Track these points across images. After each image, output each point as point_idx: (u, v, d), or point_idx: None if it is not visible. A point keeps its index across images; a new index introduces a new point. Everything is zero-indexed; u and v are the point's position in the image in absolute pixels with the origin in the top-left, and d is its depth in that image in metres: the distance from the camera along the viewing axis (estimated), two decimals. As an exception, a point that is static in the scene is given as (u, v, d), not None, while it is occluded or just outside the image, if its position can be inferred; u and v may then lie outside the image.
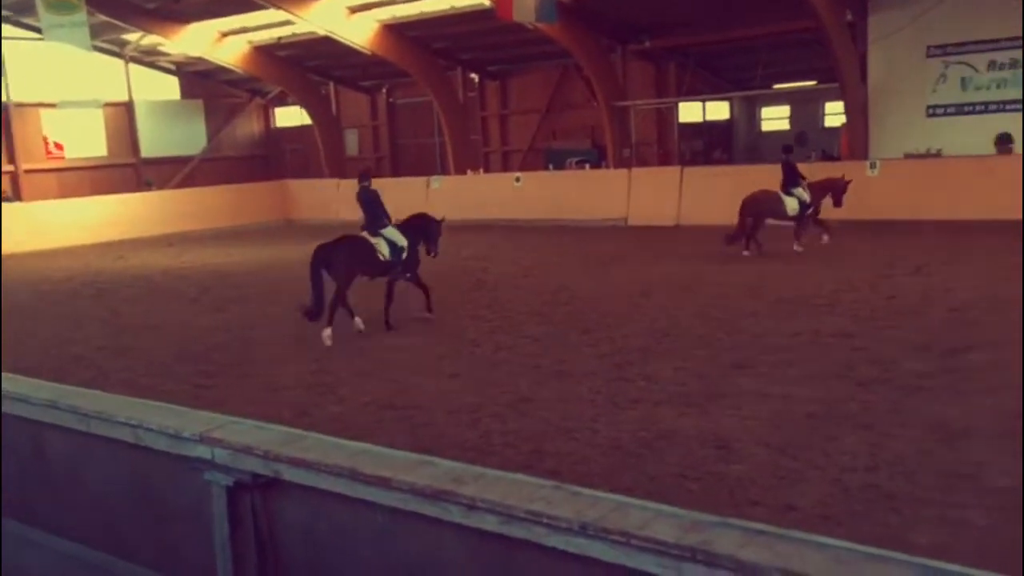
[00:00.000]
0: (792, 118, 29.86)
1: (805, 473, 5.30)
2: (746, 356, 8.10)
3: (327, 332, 9.76)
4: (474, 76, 31.37)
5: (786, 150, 15.76)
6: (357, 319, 10.35)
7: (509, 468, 5.53)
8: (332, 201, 26.66)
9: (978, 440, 5.61)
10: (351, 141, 34.93)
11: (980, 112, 20.89)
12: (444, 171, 28.80)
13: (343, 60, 30.08)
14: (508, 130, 31.90)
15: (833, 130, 26.20)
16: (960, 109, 21.15)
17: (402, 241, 10.51)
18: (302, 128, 34.17)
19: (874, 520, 4.62)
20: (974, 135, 19.96)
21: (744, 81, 28.05)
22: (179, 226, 24.62)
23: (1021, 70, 20.30)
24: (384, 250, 10.32)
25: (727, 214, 19.61)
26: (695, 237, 17.70)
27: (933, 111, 21.40)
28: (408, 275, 10.80)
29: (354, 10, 26.12)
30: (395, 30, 26.98)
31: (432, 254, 11.07)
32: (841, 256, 14.06)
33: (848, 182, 15.64)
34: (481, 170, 27.84)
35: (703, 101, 29.38)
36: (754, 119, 30.96)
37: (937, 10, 20.85)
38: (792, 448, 5.70)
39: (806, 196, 14.98)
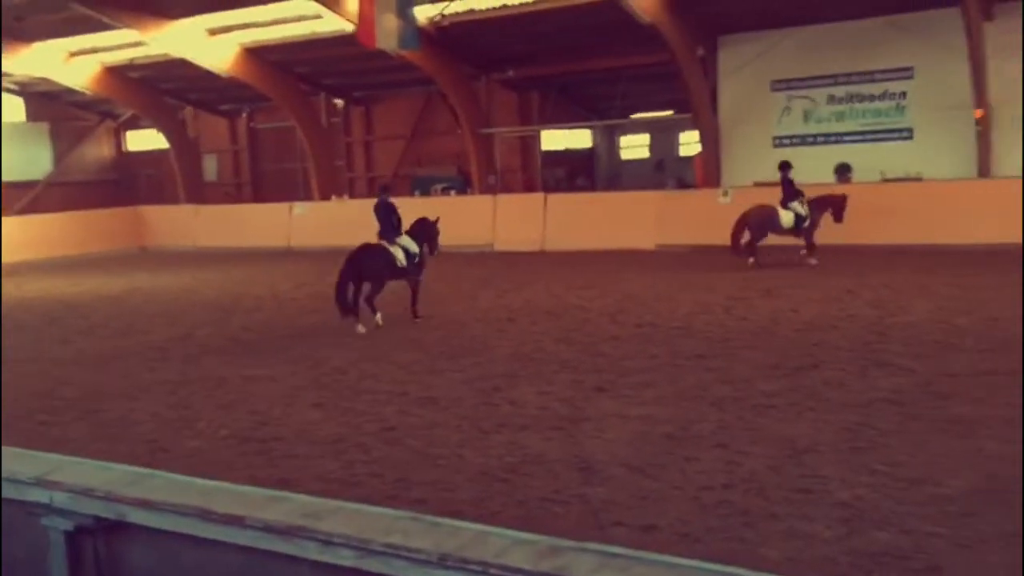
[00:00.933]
0: (651, 146, 30.89)
1: (665, 492, 5.43)
2: (608, 379, 8.27)
3: (360, 327, 11.21)
4: (338, 101, 31.06)
5: (783, 167, 16.25)
6: (378, 315, 11.54)
7: (374, 499, 5.45)
8: (190, 228, 25.79)
9: (822, 455, 5.89)
10: (210, 166, 33.92)
11: (822, 143, 22.18)
12: (308, 197, 28.32)
13: (201, 83, 29.22)
14: (373, 156, 31.72)
15: (688, 158, 27.24)
16: (803, 140, 22.41)
17: (415, 248, 11.89)
18: (157, 152, 32.91)
19: (729, 536, 4.78)
20: (816, 165, 21.16)
21: (604, 110, 28.87)
22: (23, 255, 23.20)
23: (858, 104, 21.71)
24: (401, 257, 11.66)
25: (590, 239, 20.13)
26: (559, 262, 18.02)
27: (779, 141, 22.58)
28: (419, 277, 12.13)
29: (213, 32, 25.49)
30: (256, 54, 26.46)
31: (433, 253, 12.38)
32: (697, 280, 14.58)
33: (846, 198, 16.12)
34: (346, 196, 27.53)
35: (565, 129, 30.06)
36: (614, 147, 31.85)
37: (780, 47, 22.07)
38: (652, 468, 5.84)
39: (803, 210, 15.57)
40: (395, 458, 6.38)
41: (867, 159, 21.02)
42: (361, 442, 6.79)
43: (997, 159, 19.49)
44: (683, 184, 24.91)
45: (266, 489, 3.07)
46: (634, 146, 31.51)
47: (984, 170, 19.38)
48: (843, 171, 21.28)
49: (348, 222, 24.41)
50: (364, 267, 11.34)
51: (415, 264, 11.93)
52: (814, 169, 21.11)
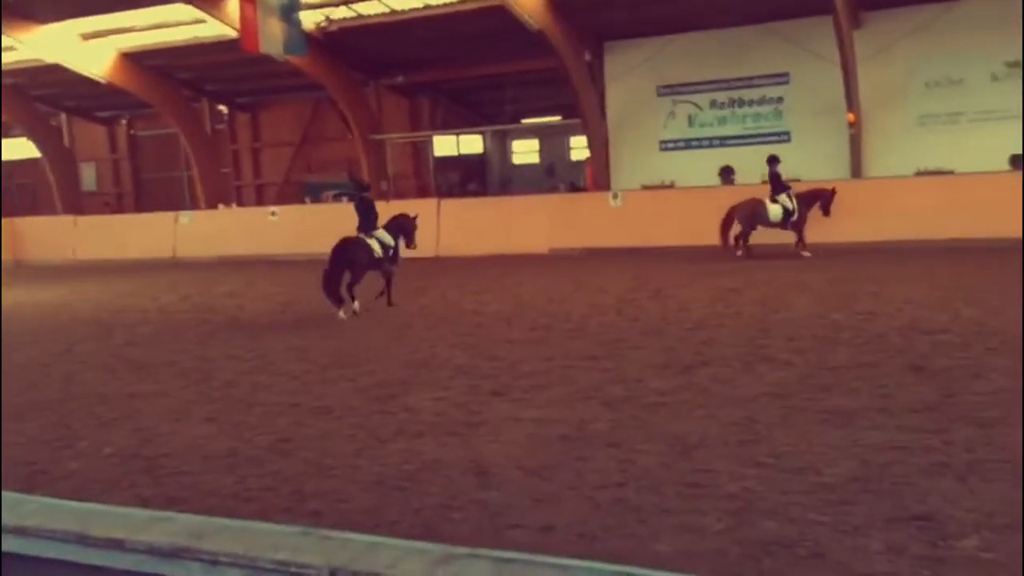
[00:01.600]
0: (542, 151, 31.25)
1: (561, 493, 5.48)
2: (503, 383, 8.31)
3: (341, 313, 12.39)
4: (222, 108, 30.32)
5: (771, 161, 16.54)
6: (356, 303, 12.77)
7: (268, 513, 5.34)
8: (68, 240, 24.74)
9: (711, 450, 6.06)
10: (88, 175, 32.65)
11: (706, 147, 22.88)
12: (193, 206, 27.55)
13: (76, 89, 28.11)
14: (261, 163, 31.11)
15: (579, 163, 27.66)
16: (688, 144, 23.08)
17: (390, 241, 13.27)
18: (30, 161, 31.46)
19: (624, 533, 4.86)
20: (701, 167, 21.80)
21: (495, 116, 29.07)
22: None
23: (739, 108, 22.47)
24: (377, 248, 13.01)
25: (484, 244, 20.21)
26: (453, 267, 18.01)
27: (665, 145, 23.19)
28: (393, 267, 13.51)
29: (87, 37, 24.54)
30: (135, 59, 25.62)
31: (410, 246, 13.75)
32: (589, 283, 14.80)
33: (834, 192, 16.44)
34: (234, 204, 26.90)
35: (457, 135, 30.11)
36: (506, 152, 32.10)
37: (665, 52, 22.67)
38: (548, 470, 5.89)
39: (790, 204, 15.87)
40: (289, 471, 6.25)
41: (749, 162, 21.77)
42: (254, 456, 6.63)
43: (868, 161, 20.47)
44: (574, 188, 25.30)
45: (148, 510, 2.97)
46: (525, 151, 31.81)
47: (857, 171, 20.32)
48: (727, 173, 22.00)
49: (235, 231, 24.00)
50: (348, 257, 12.58)
51: (390, 256, 13.33)
52: (699, 172, 21.77)
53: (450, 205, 22.19)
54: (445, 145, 30.14)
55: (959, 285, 12.48)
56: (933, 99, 20.46)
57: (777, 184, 16.50)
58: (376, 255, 12.97)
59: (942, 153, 19.53)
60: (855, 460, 5.66)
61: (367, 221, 13.22)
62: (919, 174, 19.19)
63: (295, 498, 5.70)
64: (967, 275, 13.47)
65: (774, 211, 16.19)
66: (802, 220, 16.44)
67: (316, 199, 26.61)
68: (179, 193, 30.34)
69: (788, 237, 16.61)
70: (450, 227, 21.30)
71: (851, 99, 19.84)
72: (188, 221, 24.26)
